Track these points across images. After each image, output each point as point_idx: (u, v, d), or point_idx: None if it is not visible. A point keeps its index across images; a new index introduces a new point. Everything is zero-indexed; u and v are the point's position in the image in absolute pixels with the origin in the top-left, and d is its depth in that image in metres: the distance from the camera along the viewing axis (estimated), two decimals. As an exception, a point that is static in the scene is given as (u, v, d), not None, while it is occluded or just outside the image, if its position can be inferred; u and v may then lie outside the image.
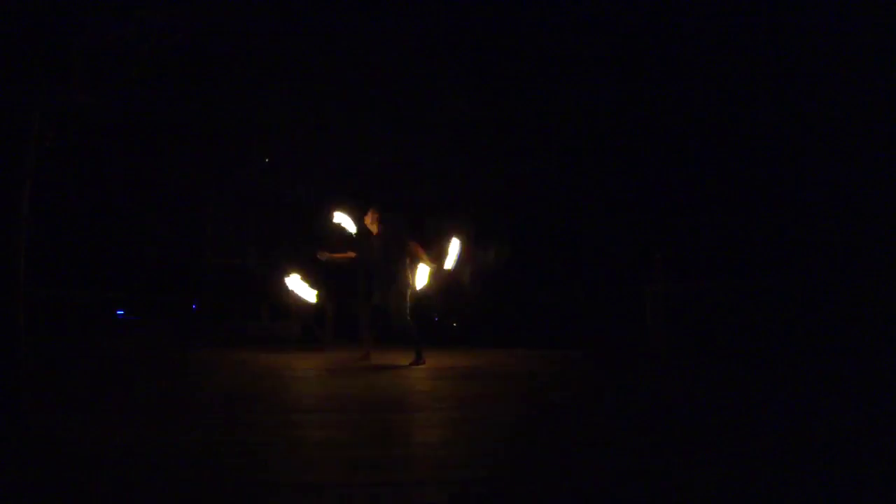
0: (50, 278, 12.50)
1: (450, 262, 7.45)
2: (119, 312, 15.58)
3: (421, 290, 7.38)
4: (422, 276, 7.33)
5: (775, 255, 10.75)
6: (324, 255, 7.27)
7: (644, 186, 12.60)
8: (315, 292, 7.66)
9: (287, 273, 7.74)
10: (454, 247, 7.46)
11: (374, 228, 7.36)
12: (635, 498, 2.20)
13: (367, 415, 4.00)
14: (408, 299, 7.20)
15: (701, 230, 11.85)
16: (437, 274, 7.41)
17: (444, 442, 3.15)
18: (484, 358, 8.21)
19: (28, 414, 3.05)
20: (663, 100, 12.29)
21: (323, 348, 10.57)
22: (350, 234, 7.71)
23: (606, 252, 12.85)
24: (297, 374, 6.34)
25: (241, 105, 13.40)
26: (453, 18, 12.57)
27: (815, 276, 9.63)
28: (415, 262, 7.27)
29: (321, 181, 13.27)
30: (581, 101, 12.79)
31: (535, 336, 11.31)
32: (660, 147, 12.46)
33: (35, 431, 3.02)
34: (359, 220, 7.66)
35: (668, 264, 10.04)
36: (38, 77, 3.09)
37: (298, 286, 7.66)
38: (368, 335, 7.62)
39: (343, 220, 7.69)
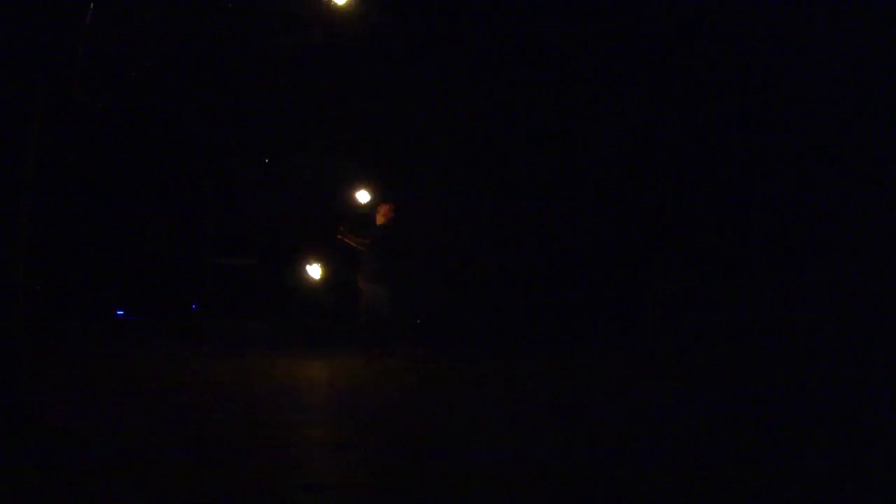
0: (50, 278, 12.47)
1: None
2: (119, 312, 15.53)
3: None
4: None
5: (775, 256, 10.73)
6: None
7: (644, 186, 12.57)
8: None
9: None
10: None
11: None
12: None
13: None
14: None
15: (701, 230, 11.82)
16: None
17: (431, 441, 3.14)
18: (473, 363, 8.20)
19: (28, 414, 3.05)
20: (663, 100, 12.27)
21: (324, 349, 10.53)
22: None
23: (607, 251, 12.81)
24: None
25: (240, 105, 13.36)
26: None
27: (815, 276, 9.61)
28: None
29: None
30: (581, 101, 12.77)
31: (533, 337, 11.25)
32: (659, 147, 12.44)
33: (37, 431, 3.02)
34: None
35: (669, 264, 10.01)
36: (38, 76, 3.09)
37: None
38: (372, 340, 7.71)
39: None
